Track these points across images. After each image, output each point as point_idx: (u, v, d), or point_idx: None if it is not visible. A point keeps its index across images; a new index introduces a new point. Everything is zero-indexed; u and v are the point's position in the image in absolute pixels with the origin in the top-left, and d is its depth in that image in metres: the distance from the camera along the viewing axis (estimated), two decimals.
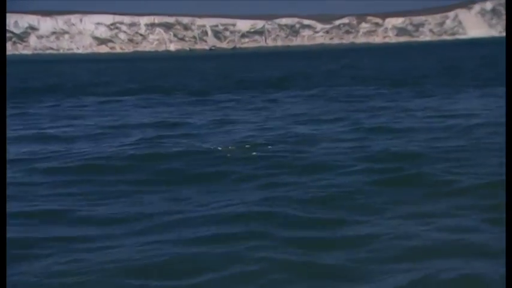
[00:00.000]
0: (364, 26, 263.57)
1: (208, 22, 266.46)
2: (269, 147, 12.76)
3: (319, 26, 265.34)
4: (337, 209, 7.95)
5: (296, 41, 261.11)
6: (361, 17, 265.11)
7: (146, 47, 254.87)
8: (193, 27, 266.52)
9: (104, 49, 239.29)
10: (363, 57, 76.93)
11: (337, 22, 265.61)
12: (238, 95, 26.37)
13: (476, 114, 16.10)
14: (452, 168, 10.00)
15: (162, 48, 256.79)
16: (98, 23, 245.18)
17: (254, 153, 11.99)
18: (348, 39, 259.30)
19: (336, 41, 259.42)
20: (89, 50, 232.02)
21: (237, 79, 38.94)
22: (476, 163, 10.28)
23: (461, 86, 25.09)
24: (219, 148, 12.52)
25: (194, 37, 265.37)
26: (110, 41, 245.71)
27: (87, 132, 15.55)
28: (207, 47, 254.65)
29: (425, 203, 8.08)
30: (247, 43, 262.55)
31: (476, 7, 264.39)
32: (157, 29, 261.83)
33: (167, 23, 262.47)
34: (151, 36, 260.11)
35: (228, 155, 12.00)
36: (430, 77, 32.41)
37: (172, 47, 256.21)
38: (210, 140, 13.80)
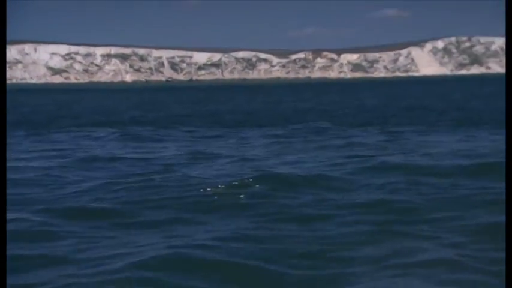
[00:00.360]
0: (320, 61, 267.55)
1: (165, 54, 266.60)
2: (257, 186, 12.53)
3: (275, 60, 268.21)
4: (331, 263, 7.70)
5: (253, 75, 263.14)
6: (317, 53, 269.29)
7: (102, 77, 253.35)
8: (149, 58, 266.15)
9: (58, 79, 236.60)
10: (323, 93, 77.75)
11: (293, 57, 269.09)
12: (211, 129, 26.13)
13: (458, 155, 16.17)
14: (441, 221, 9.74)
15: (117, 79, 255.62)
16: (53, 53, 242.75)
17: (242, 196, 11.74)
18: (304, 74, 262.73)
19: (292, 75, 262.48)
20: (42, 80, 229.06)
21: (206, 112, 38.74)
22: (465, 215, 10.05)
23: (435, 126, 25.38)
24: (208, 189, 12.22)
25: (150, 68, 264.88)
26: (65, 71, 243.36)
27: (68, 168, 15.06)
28: (163, 79, 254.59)
29: (418, 256, 7.86)
30: (204, 75, 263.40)
31: (428, 45, 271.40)
32: (113, 60, 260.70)
33: (123, 54, 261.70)
34: (107, 67, 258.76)
35: (215, 197, 11.74)
36: (399, 116, 32.74)
37: (128, 78, 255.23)
38: (196, 177, 13.48)
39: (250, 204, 11.07)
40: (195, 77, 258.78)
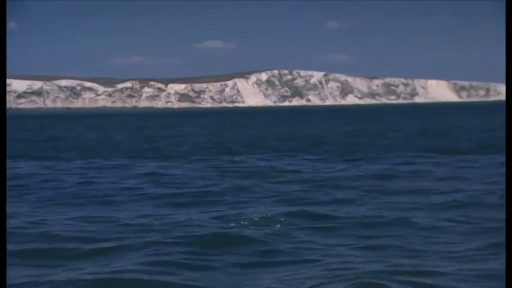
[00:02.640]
0: (147, 91, 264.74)
1: None
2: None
3: (101, 89, 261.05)
4: None
5: (77, 103, 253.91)
6: (144, 82, 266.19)
7: None
8: None
9: None
10: (188, 124, 76.27)
11: (120, 86, 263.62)
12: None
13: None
14: None
15: None
16: None
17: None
18: (131, 103, 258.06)
19: (118, 104, 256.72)
20: None
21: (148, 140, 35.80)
22: None
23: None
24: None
25: None
26: None
27: None
28: None
29: None
30: (24, 104, 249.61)
31: (253, 77, 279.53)
32: None
33: None
34: None
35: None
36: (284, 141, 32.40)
37: None
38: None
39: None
40: (14, 106, 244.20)
